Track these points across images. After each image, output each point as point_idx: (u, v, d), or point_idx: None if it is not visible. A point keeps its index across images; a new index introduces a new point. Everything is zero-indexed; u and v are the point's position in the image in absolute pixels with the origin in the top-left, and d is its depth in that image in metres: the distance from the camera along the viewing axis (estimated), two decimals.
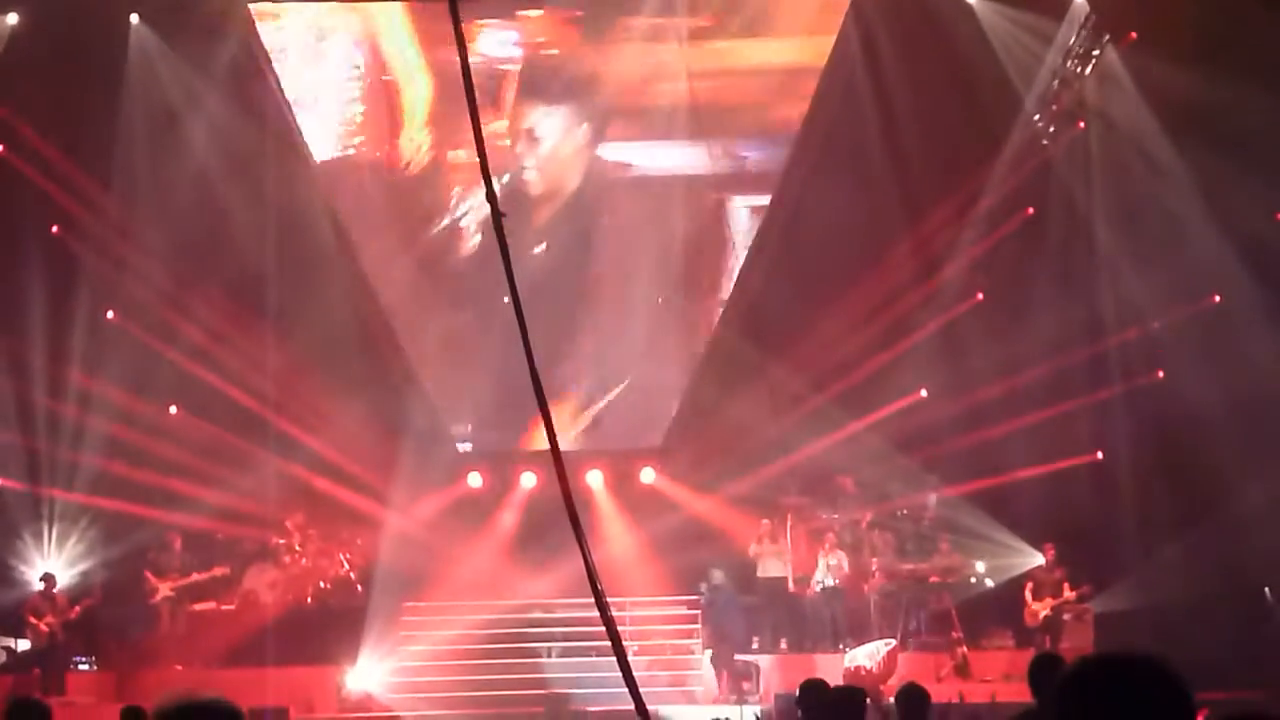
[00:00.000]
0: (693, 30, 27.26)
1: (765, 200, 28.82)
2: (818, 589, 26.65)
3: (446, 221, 28.63)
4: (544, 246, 28.40)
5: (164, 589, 26.42)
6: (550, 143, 28.53)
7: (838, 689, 11.08)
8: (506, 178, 27.74)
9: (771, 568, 26.98)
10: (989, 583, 27.09)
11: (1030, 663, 9.85)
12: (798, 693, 11.24)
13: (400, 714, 24.75)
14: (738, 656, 25.85)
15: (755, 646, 26.54)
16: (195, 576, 26.62)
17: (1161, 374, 26.54)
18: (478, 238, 28.26)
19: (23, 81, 25.72)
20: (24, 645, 25.61)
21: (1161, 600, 22.95)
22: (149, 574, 26.62)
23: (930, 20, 25.90)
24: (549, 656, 26.36)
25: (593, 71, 27.93)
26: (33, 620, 25.19)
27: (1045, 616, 25.37)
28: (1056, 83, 27.03)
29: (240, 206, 26.97)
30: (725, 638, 25.95)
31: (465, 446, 29.36)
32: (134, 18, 26.61)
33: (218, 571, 26.79)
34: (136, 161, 26.91)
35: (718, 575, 26.36)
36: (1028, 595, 25.62)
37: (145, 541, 27.00)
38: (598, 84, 28.05)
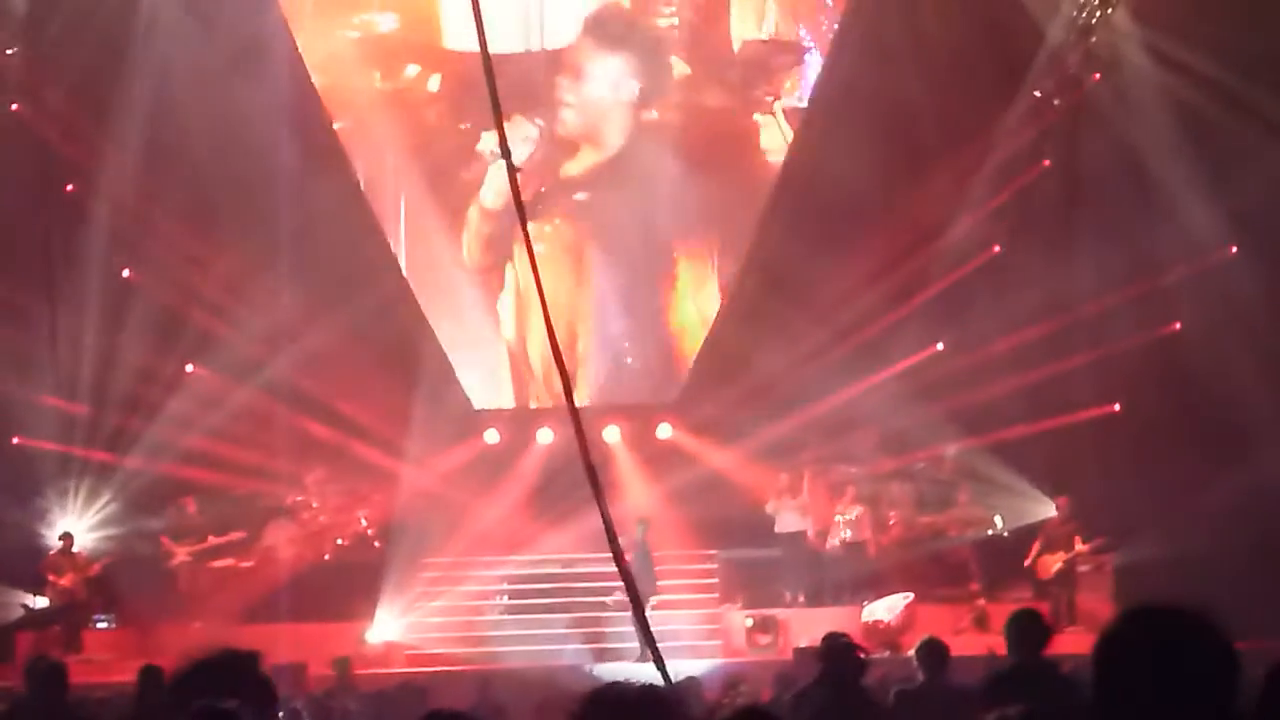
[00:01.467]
0: None
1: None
2: (835, 542, 26.66)
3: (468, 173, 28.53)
4: (584, 195, 28.47)
5: (181, 553, 26.46)
6: (596, 89, 28.44)
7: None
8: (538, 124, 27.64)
9: (789, 522, 26.95)
10: (1004, 532, 27.05)
11: (1009, 617, 9.81)
12: (821, 645, 11.26)
13: (419, 670, 24.80)
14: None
15: (774, 600, 26.58)
16: (212, 540, 26.67)
17: (1179, 325, 26.46)
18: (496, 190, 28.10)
19: (42, 41, 25.81)
20: (43, 603, 25.66)
21: (1183, 551, 22.86)
22: (165, 539, 26.66)
23: None
24: (559, 612, 26.25)
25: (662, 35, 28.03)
26: (52, 578, 25.24)
27: (1058, 569, 25.31)
28: (1071, 35, 26.91)
29: (255, 162, 26.89)
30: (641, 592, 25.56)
31: (488, 434, 29.14)
32: None
33: (234, 536, 26.83)
34: (151, 124, 26.82)
35: (638, 530, 25.98)
36: (1037, 548, 25.54)
37: (161, 503, 27.05)
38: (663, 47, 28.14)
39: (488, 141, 27.55)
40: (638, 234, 28.82)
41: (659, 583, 25.71)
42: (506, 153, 6.58)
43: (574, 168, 28.65)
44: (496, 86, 6.71)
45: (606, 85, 28.49)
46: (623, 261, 28.99)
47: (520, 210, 6.41)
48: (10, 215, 26.32)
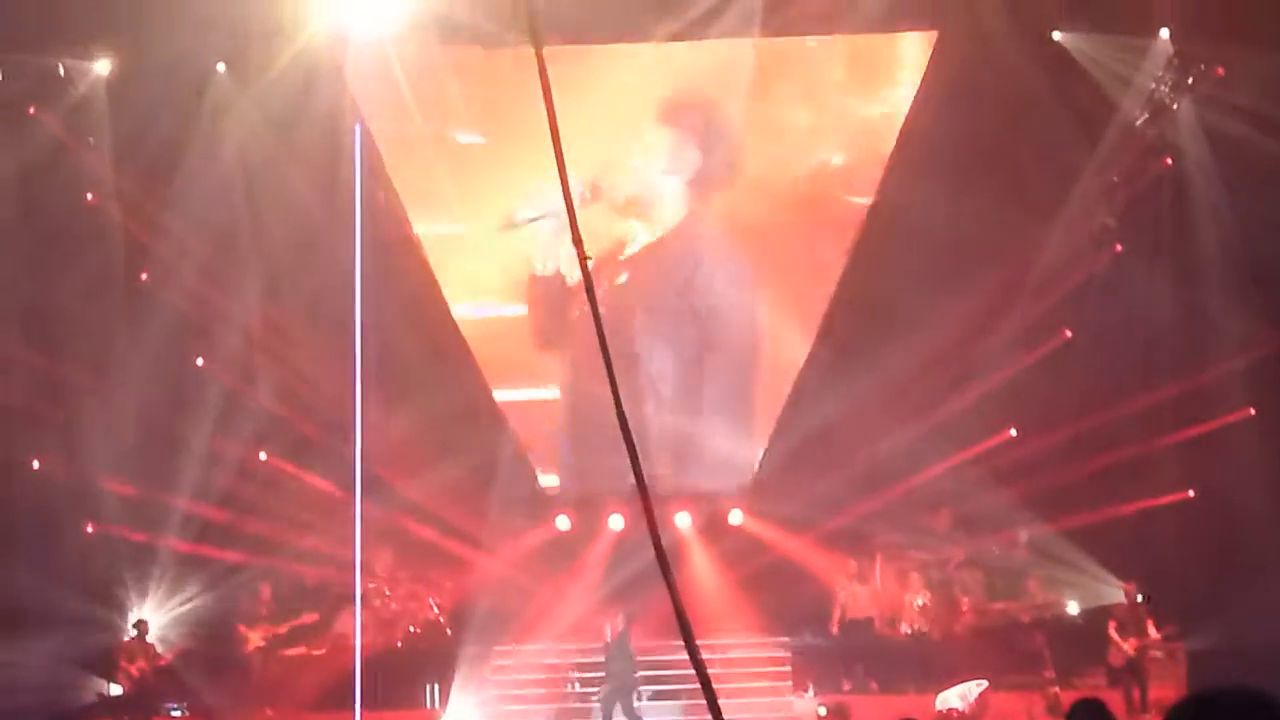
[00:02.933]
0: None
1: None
2: (906, 629, 26.58)
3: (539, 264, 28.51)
4: (625, 278, 28.33)
5: (255, 638, 26.55)
6: (657, 168, 28.50)
7: None
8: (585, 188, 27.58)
9: (859, 608, 26.90)
10: (1078, 619, 26.87)
11: (1071, 707, 9.73)
12: None
13: None
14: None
15: (847, 688, 26.45)
16: (284, 626, 26.72)
17: (1253, 411, 26.34)
18: (563, 271, 28.09)
19: (115, 127, 26.17)
20: (116, 690, 25.77)
21: (1259, 640, 22.65)
22: (240, 626, 26.77)
23: (1011, 55, 25.87)
24: (640, 700, 26.31)
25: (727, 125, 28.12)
26: (124, 665, 25.37)
27: (1130, 656, 25.11)
28: (1147, 115, 26.90)
29: (328, 255, 27.08)
30: (619, 685, 25.57)
31: (560, 520, 29.01)
32: (220, 66, 26.78)
33: (307, 619, 26.89)
34: (221, 210, 27.09)
35: (620, 621, 25.92)
36: (1113, 633, 25.37)
37: (235, 591, 27.18)
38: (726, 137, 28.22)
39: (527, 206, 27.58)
40: (703, 318, 28.80)
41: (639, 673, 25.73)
42: (578, 240, 6.61)
43: (628, 241, 28.52)
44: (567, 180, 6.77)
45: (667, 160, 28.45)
46: (691, 345, 28.96)
47: (592, 298, 6.44)
48: (86, 303, 26.58)
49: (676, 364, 28.85)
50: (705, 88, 27.93)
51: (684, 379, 28.96)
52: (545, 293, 28.18)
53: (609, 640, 25.69)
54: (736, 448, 29.42)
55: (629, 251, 28.36)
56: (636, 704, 25.73)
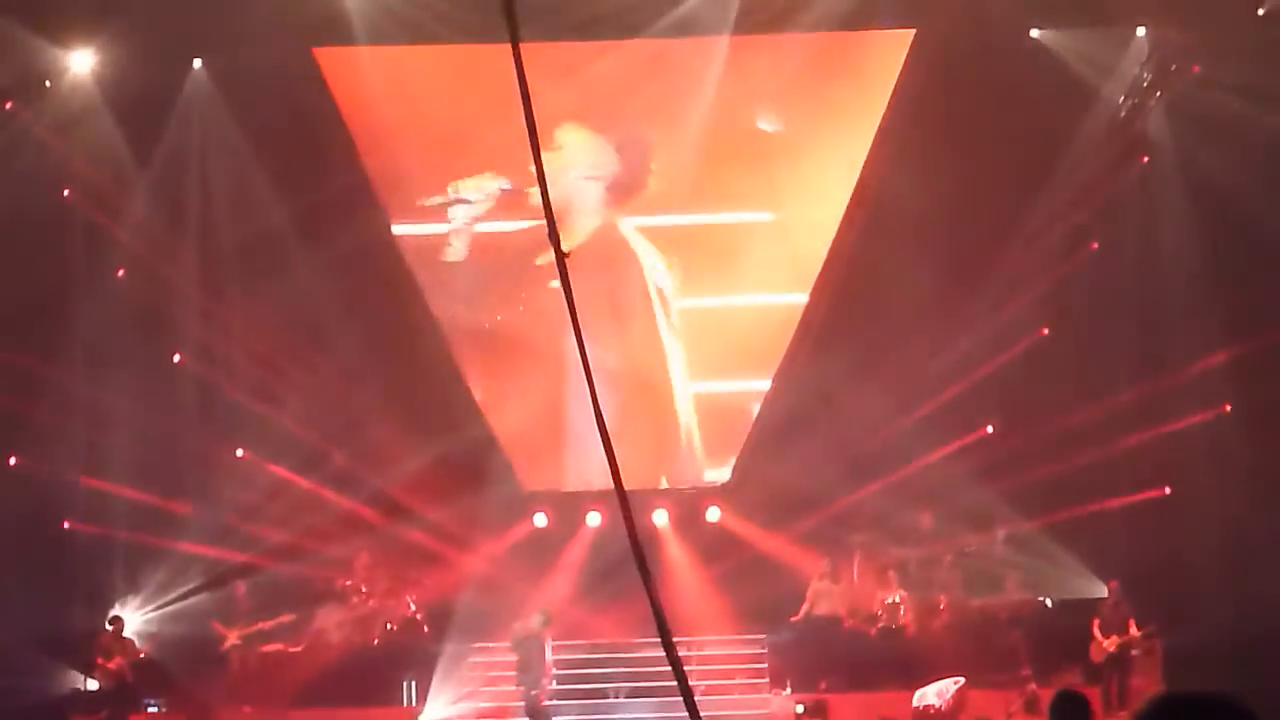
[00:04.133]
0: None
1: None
2: (882, 627, 26.62)
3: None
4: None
5: (232, 637, 26.52)
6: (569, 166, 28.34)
7: None
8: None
9: (830, 605, 26.96)
10: (1051, 609, 26.94)
11: (1053, 698, 9.74)
12: None
13: None
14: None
15: (824, 686, 26.48)
16: (262, 625, 26.71)
17: (1228, 408, 26.43)
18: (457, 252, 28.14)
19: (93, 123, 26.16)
20: (93, 685, 25.75)
21: (1235, 637, 22.71)
22: (216, 625, 26.75)
23: (989, 53, 25.92)
24: (615, 697, 26.35)
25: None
26: (100, 661, 25.32)
27: (1111, 653, 25.19)
28: (1124, 113, 26.97)
29: (304, 248, 27.12)
30: (529, 686, 25.58)
31: (537, 517, 29.02)
32: (196, 62, 26.77)
33: (285, 619, 26.87)
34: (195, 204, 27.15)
35: (536, 620, 26.06)
36: (1096, 631, 25.44)
37: (212, 587, 27.16)
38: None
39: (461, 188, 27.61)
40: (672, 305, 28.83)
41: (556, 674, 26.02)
42: (555, 238, 6.62)
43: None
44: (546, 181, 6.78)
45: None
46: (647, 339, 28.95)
47: (569, 295, 6.44)
48: (59, 297, 26.55)
49: (635, 362, 28.72)
50: (633, 88, 27.87)
51: (649, 378, 28.86)
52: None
53: (518, 638, 25.69)
54: (713, 445, 29.40)
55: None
56: (620, 700, 25.84)
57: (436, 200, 27.76)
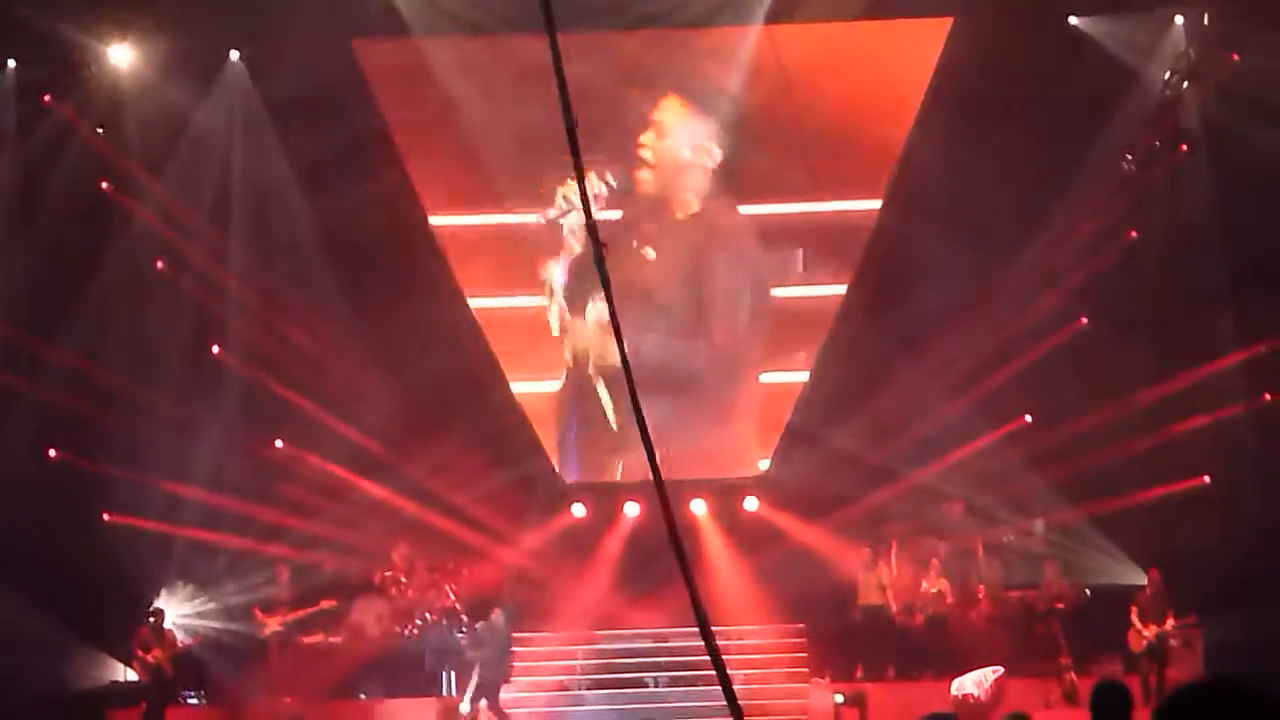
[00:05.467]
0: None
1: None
2: (922, 617, 26.60)
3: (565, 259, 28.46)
4: (653, 254, 28.27)
5: (272, 624, 26.60)
6: (678, 146, 28.39)
7: None
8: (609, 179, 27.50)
9: (873, 595, 26.94)
10: (1090, 599, 26.86)
11: (1094, 688, 9.72)
12: None
13: None
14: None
15: (860, 675, 26.50)
16: (303, 611, 26.77)
17: (1268, 397, 26.37)
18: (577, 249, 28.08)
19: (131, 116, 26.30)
20: (132, 677, 25.85)
21: (1274, 628, 22.64)
22: (257, 610, 26.82)
23: (1026, 41, 25.85)
24: (654, 686, 26.38)
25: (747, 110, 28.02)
26: (140, 654, 25.41)
27: (1149, 642, 25.11)
28: (1163, 100, 26.82)
29: (346, 243, 27.22)
30: (485, 679, 25.57)
31: (575, 508, 29.00)
32: (234, 54, 26.84)
33: (325, 605, 26.93)
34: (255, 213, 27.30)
35: (496, 616, 26.10)
36: (1135, 619, 25.36)
37: (253, 577, 27.23)
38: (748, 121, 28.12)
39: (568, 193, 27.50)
40: (724, 304, 28.77)
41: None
42: (594, 232, 6.60)
43: (646, 231, 28.45)
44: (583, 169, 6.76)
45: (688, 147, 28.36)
46: (709, 329, 28.92)
47: (608, 293, 6.42)
48: (104, 297, 26.64)
49: (691, 352, 28.71)
50: (721, 75, 27.83)
51: (698, 366, 28.84)
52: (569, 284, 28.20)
53: (477, 630, 25.75)
54: (753, 434, 29.39)
55: (646, 241, 28.29)
56: (659, 689, 25.88)
57: (553, 213, 27.71)
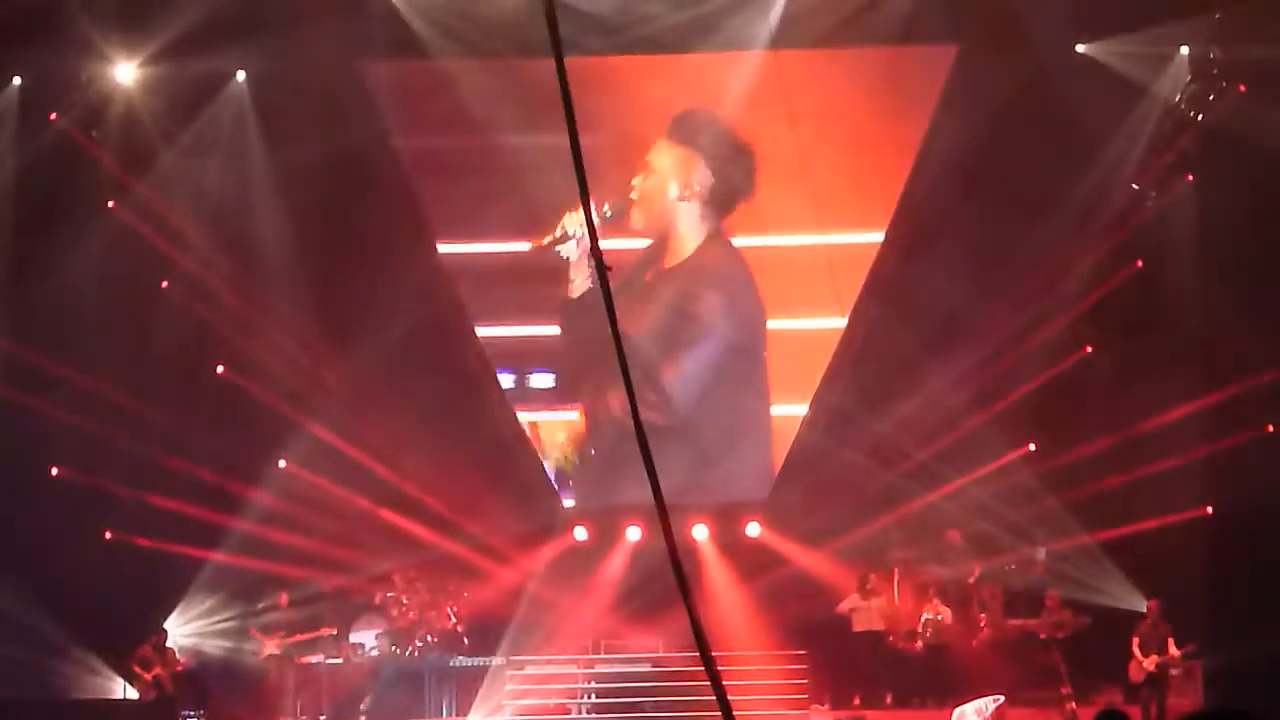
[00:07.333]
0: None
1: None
2: (922, 644, 26.58)
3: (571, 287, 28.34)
4: (645, 296, 28.13)
5: (270, 646, 26.58)
6: (666, 186, 28.29)
7: None
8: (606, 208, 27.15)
9: (869, 621, 26.94)
10: (1090, 628, 26.83)
11: (1096, 716, 9.71)
12: None
13: None
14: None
15: (857, 702, 26.49)
16: (301, 636, 26.77)
17: (1271, 428, 26.36)
18: (583, 284, 27.91)
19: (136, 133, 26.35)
20: (133, 696, 25.84)
21: (1275, 658, 22.59)
22: (255, 631, 26.81)
23: (1033, 69, 25.87)
24: (653, 710, 26.34)
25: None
26: (139, 671, 25.39)
27: (1150, 672, 25.07)
28: (1169, 128, 26.85)
29: (344, 264, 27.25)
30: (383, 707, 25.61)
31: (577, 531, 28.88)
32: (239, 75, 26.88)
33: (325, 631, 26.94)
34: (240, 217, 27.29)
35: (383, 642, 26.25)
36: (1136, 650, 25.31)
37: (252, 598, 27.24)
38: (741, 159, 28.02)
39: (567, 222, 27.33)
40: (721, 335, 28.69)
41: None
42: (598, 253, 6.61)
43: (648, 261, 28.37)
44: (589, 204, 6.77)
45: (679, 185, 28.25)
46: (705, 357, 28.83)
47: (611, 315, 6.44)
48: (106, 309, 26.63)
49: (695, 380, 28.60)
50: (713, 103, 27.78)
51: (702, 394, 28.73)
52: (574, 314, 28.08)
53: (382, 658, 25.90)
54: (754, 460, 29.32)
55: (648, 273, 28.23)
56: (654, 715, 25.84)
57: (548, 239, 27.50)
